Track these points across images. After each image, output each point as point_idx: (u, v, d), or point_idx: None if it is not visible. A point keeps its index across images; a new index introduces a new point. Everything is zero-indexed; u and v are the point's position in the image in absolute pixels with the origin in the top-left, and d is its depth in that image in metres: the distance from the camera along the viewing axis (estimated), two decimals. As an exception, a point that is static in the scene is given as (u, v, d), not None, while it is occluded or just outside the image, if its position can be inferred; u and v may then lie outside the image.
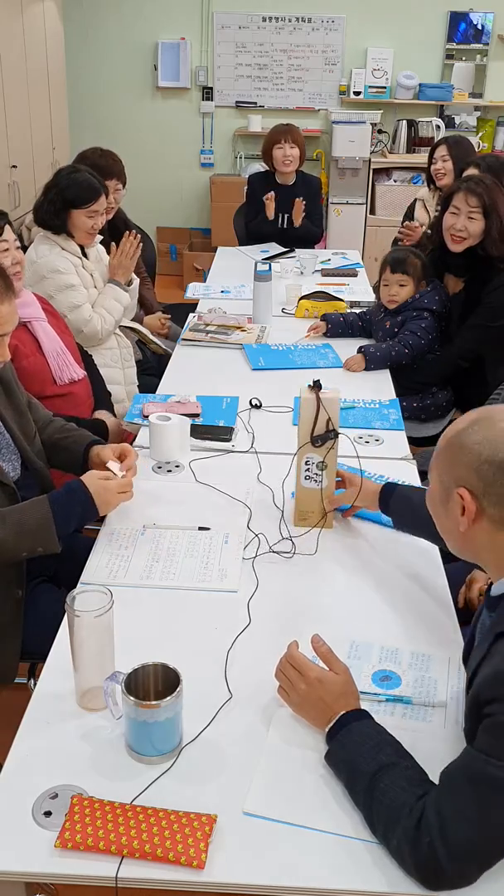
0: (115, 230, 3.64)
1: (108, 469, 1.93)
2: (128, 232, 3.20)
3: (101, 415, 2.71)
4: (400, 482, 1.99)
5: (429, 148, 4.44)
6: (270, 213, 4.51)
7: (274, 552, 1.89)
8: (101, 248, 3.21)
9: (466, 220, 2.96)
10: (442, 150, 4.14)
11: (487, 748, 1.12)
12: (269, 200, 4.48)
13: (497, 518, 1.21)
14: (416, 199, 4.47)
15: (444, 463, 1.27)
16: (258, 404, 2.60)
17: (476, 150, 4.29)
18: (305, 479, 1.96)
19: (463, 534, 1.26)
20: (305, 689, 1.37)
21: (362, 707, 1.35)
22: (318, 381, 1.90)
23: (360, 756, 1.24)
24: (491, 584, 1.31)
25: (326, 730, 1.32)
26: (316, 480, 1.96)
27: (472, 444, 1.22)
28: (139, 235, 3.19)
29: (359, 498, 1.93)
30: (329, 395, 1.90)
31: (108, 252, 3.42)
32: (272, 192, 4.48)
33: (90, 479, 1.86)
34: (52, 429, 2.15)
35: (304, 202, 4.46)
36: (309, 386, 1.90)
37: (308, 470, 1.95)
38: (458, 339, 3.10)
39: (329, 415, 1.89)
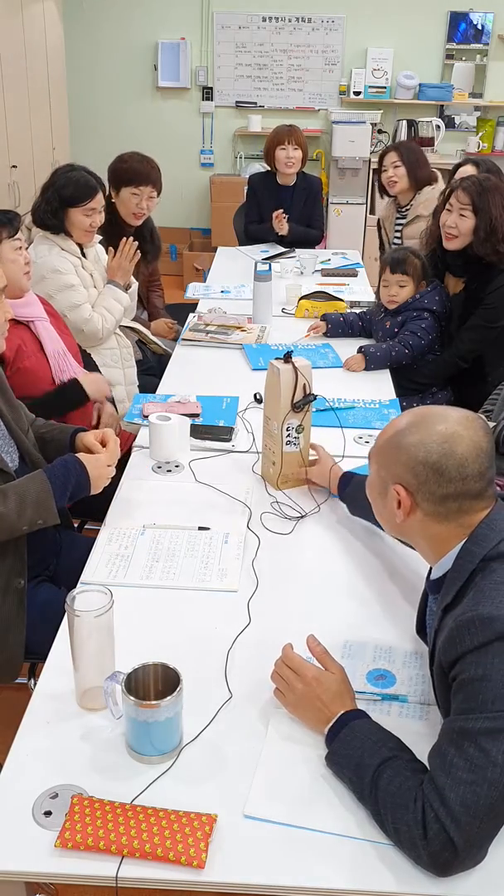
0: (140, 238, 3.61)
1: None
2: (124, 240, 3.16)
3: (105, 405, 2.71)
4: (357, 471, 2.07)
5: (429, 148, 4.42)
6: (284, 230, 4.42)
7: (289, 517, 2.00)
8: (100, 248, 3.20)
9: (458, 217, 2.97)
10: (393, 157, 4.07)
11: (462, 707, 1.16)
12: (279, 219, 4.38)
13: (430, 512, 1.31)
14: (378, 219, 4.45)
15: (383, 459, 1.36)
16: (261, 398, 2.60)
17: (424, 153, 4.24)
18: (287, 444, 2.11)
19: (399, 523, 1.36)
20: (303, 689, 1.38)
21: (359, 706, 1.36)
22: (290, 352, 2.08)
23: (364, 751, 1.25)
24: (431, 569, 1.39)
25: (326, 730, 1.33)
26: (295, 444, 2.12)
27: (408, 445, 1.30)
28: (136, 243, 3.16)
29: (322, 479, 2.10)
30: (302, 363, 2.07)
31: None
32: (281, 211, 4.39)
33: (81, 455, 1.94)
34: (36, 426, 2.18)
35: (284, 215, 4.39)
36: (281, 359, 2.07)
37: (289, 435, 2.10)
38: (458, 340, 3.10)
39: (306, 380, 2.06)
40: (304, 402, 2.06)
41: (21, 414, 2.08)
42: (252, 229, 4.62)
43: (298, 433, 2.10)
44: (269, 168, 4.59)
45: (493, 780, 1.10)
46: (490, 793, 1.10)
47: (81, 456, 1.92)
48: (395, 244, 4.26)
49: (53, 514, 1.82)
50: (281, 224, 4.40)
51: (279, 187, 4.54)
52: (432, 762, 1.17)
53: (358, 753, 1.25)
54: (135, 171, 3.42)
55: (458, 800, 1.10)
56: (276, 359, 2.08)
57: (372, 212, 6.43)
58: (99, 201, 2.95)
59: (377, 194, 4.35)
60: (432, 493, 1.29)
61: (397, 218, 4.24)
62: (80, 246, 3.02)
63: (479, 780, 1.10)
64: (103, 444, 2.02)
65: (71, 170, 2.98)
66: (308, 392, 2.06)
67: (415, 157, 4.07)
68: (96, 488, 1.92)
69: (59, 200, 2.90)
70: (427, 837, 1.12)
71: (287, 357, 2.06)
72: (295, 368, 2.03)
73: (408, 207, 4.17)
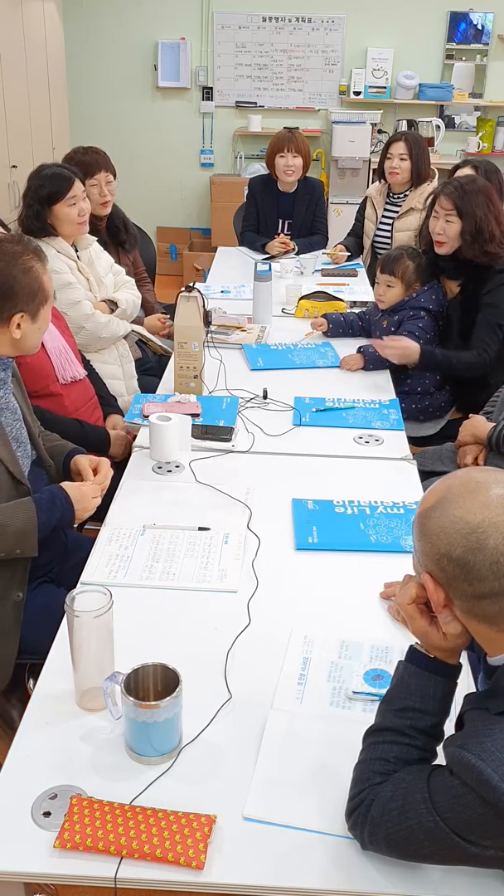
0: (114, 229, 3.63)
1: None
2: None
3: (114, 419, 2.71)
4: None
5: (429, 148, 4.38)
6: (290, 247, 4.35)
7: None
8: (96, 249, 3.20)
9: (444, 223, 2.96)
10: (400, 148, 4.01)
11: (434, 775, 1.11)
12: (286, 245, 4.34)
13: (466, 609, 1.11)
14: (366, 197, 4.40)
15: (415, 536, 1.16)
16: (265, 394, 2.65)
17: (428, 150, 4.19)
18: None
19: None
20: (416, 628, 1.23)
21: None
22: (188, 285, 2.56)
23: (400, 706, 1.21)
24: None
25: (414, 647, 1.24)
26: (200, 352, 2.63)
27: (430, 533, 1.10)
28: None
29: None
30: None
31: (110, 251, 3.41)
32: (283, 238, 4.35)
33: (70, 487, 1.91)
34: (42, 436, 2.17)
35: (287, 235, 4.38)
36: (185, 292, 2.57)
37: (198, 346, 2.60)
38: (481, 345, 2.94)
39: (204, 300, 2.61)
40: (209, 316, 2.68)
41: (33, 416, 2.10)
42: (248, 237, 4.53)
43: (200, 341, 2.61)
44: (270, 172, 4.54)
45: (407, 834, 1.11)
46: (403, 847, 1.12)
47: (69, 487, 1.91)
48: (382, 233, 4.25)
49: (33, 546, 1.81)
50: (286, 246, 4.33)
51: (280, 194, 4.44)
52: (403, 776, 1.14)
53: (401, 696, 1.21)
54: (84, 163, 3.41)
55: (377, 824, 1.13)
56: (181, 293, 2.55)
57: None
58: (79, 187, 2.94)
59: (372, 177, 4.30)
60: (464, 592, 1.09)
61: (388, 205, 4.23)
62: (75, 247, 3.02)
63: (399, 825, 1.11)
64: (95, 472, 2.04)
65: (41, 169, 2.98)
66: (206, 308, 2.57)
67: (421, 153, 4.04)
68: (79, 520, 1.92)
69: (39, 202, 2.90)
70: (350, 822, 1.18)
71: (189, 288, 2.55)
72: (200, 293, 2.61)
73: (401, 197, 4.16)
